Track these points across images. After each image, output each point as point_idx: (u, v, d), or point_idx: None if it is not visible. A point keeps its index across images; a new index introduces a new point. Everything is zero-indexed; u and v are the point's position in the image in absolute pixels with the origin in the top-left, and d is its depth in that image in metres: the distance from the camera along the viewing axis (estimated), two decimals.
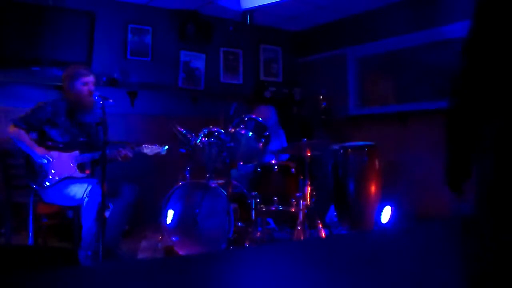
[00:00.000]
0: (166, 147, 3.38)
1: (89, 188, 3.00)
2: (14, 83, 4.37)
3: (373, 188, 4.04)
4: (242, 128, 3.37)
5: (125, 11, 5.07)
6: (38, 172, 3.06)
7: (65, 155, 3.14)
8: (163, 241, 3.54)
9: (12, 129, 3.06)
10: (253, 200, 3.40)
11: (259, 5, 4.78)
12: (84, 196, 2.99)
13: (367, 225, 4.00)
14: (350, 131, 5.46)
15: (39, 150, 3.06)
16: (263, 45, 6.20)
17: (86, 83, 3.19)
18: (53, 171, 3.07)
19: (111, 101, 2.90)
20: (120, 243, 3.28)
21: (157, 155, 3.36)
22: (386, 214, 4.23)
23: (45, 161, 3.07)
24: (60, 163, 3.11)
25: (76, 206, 3.16)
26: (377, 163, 4.07)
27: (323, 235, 3.48)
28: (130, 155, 3.26)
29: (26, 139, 3.05)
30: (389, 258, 0.70)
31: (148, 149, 3.31)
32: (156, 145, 3.34)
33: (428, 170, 4.56)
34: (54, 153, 3.10)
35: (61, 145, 3.15)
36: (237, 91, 5.87)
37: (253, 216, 3.39)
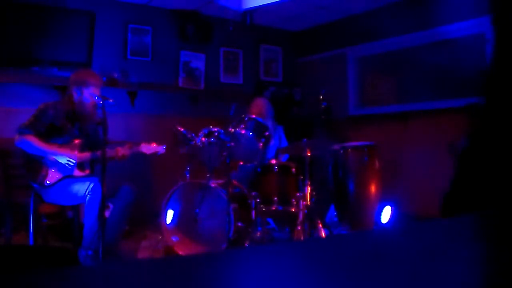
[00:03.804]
0: (164, 146, 3.38)
1: (91, 185, 3.00)
2: (14, 83, 4.37)
3: (373, 188, 4.03)
4: (242, 128, 3.37)
5: (125, 11, 5.07)
6: (38, 171, 3.05)
7: (65, 155, 3.13)
8: (163, 241, 3.54)
9: (20, 138, 2.98)
10: (253, 200, 3.39)
11: (259, 5, 4.78)
12: (87, 194, 2.99)
13: (367, 225, 4.00)
14: (350, 131, 5.46)
15: (64, 150, 3.05)
16: (263, 45, 6.20)
17: (93, 94, 3.13)
18: (53, 170, 3.07)
19: (111, 101, 2.89)
20: (120, 243, 3.28)
21: (155, 154, 3.36)
22: (386, 214, 4.23)
23: (71, 163, 3.06)
24: (61, 162, 3.11)
25: (76, 206, 3.16)
26: (377, 163, 4.07)
27: (323, 235, 3.47)
28: (128, 153, 3.26)
29: (43, 143, 3.01)
30: (389, 258, 0.69)
31: (146, 148, 3.31)
32: (154, 145, 3.34)
33: (428, 170, 4.56)
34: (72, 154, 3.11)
35: (60, 146, 3.14)
36: (237, 91, 5.88)
37: (253, 216, 3.39)
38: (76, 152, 3.12)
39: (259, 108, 4.18)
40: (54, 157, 3.04)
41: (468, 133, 1.25)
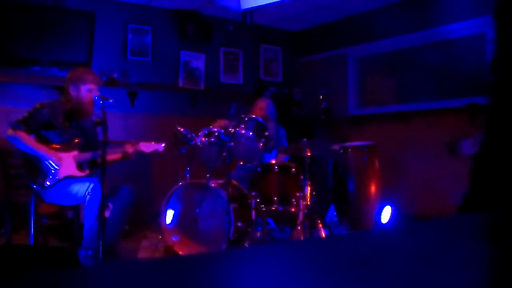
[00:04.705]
0: (163, 144, 3.39)
1: (91, 186, 3.00)
2: (14, 83, 4.37)
3: (373, 188, 4.03)
4: (242, 128, 3.37)
5: (125, 11, 5.07)
6: (38, 172, 3.05)
7: (64, 154, 3.13)
8: (163, 241, 3.54)
9: (11, 133, 2.99)
10: (253, 200, 3.39)
11: (259, 5, 4.77)
12: (87, 194, 2.99)
13: (367, 225, 4.00)
14: (350, 131, 5.46)
15: (49, 152, 3.04)
16: (263, 45, 6.20)
17: (91, 90, 3.13)
18: (53, 171, 3.07)
19: (111, 101, 2.90)
20: (120, 243, 3.28)
21: (155, 152, 3.37)
22: (386, 214, 4.22)
23: (54, 166, 3.05)
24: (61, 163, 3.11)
25: (76, 206, 3.15)
26: (377, 163, 4.07)
27: (323, 235, 3.47)
28: (131, 151, 3.28)
29: (32, 141, 3.01)
30: (389, 258, 0.70)
31: (145, 146, 3.32)
32: (153, 143, 3.35)
33: (428, 170, 4.56)
34: (61, 154, 3.09)
35: (59, 146, 3.14)
36: (237, 91, 5.88)
37: (253, 216, 3.39)
38: (63, 155, 3.10)
39: (261, 109, 4.18)
40: (39, 157, 3.03)
41: (480, 134, 1.25)
